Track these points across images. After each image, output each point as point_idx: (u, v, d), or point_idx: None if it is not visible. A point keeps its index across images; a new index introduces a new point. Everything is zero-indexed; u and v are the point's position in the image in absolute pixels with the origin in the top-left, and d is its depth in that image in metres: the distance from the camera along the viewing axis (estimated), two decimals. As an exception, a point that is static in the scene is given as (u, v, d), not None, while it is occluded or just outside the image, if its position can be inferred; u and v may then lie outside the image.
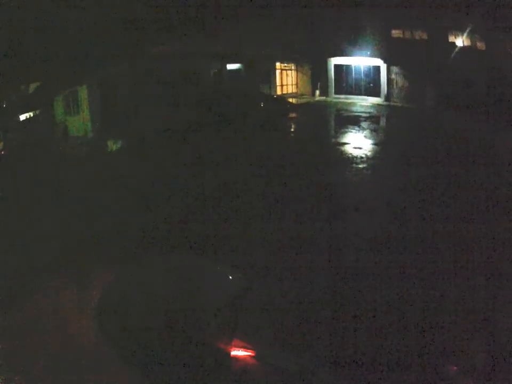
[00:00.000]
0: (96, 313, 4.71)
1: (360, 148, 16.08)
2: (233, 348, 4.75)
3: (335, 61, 37.94)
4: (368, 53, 36.27)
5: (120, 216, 9.17)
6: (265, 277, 6.62)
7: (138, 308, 4.40)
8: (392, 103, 34.85)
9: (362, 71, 37.51)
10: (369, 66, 37.18)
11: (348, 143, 17.05)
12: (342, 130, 20.81)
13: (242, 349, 4.87)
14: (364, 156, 14.87)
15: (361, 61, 37.16)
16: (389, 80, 36.42)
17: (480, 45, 33.72)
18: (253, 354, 4.88)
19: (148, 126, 18.89)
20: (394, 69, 36.16)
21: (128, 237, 8.13)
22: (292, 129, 22.21)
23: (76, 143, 17.33)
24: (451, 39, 33.69)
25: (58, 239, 7.95)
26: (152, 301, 4.42)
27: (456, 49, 32.14)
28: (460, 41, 32.83)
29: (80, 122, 18.61)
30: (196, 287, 4.56)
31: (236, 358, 4.77)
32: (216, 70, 28.47)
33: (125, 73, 19.55)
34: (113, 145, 16.29)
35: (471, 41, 33.56)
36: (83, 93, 18.57)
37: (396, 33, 35.65)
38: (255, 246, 7.76)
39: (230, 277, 5.01)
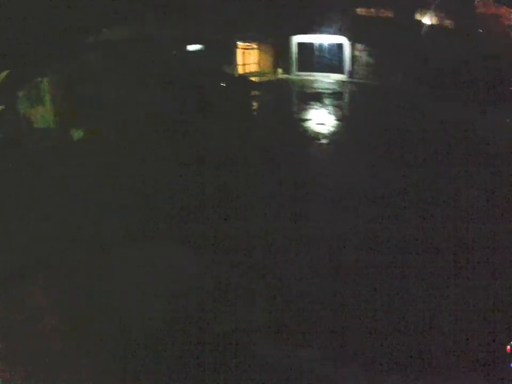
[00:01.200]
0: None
1: (323, 124, 15.77)
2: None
3: (298, 38, 37.55)
4: (332, 30, 35.99)
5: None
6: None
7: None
8: (355, 80, 34.71)
9: (326, 48, 37.26)
10: (333, 43, 36.93)
11: (310, 119, 16.71)
12: (305, 106, 20.40)
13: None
14: (326, 131, 14.58)
15: (324, 39, 36.89)
16: (353, 57, 36.27)
17: (449, 22, 33.85)
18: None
19: (112, 112, 18.51)
20: (359, 46, 36.01)
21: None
22: (254, 107, 21.76)
23: (39, 135, 16.68)
24: (418, 17, 33.71)
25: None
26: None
27: (423, 27, 32.16)
28: (427, 19, 32.84)
29: (43, 114, 18.06)
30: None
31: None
32: (178, 49, 27.84)
33: (88, 61, 19.10)
34: (76, 134, 15.72)
35: (438, 19, 33.63)
36: (45, 84, 17.97)
37: (361, 10, 35.45)
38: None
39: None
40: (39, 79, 17.74)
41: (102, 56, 19.91)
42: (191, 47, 29.63)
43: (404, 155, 12.26)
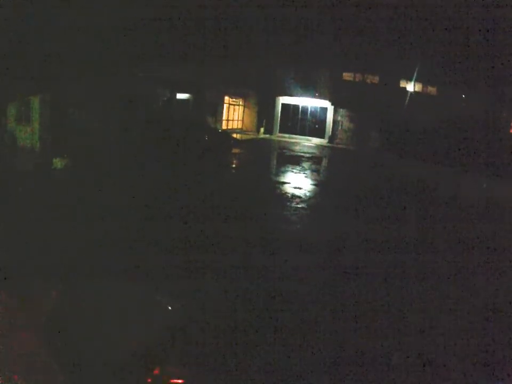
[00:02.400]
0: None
1: (300, 188, 15.90)
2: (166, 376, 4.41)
3: (283, 100, 38.43)
4: (317, 94, 37.00)
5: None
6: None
7: (78, 329, 4.39)
8: (335, 145, 35.45)
9: (309, 111, 38.14)
10: (316, 107, 37.87)
11: (288, 183, 16.82)
12: (283, 169, 20.58)
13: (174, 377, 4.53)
14: (302, 195, 14.68)
15: (309, 102, 37.81)
16: (335, 122, 37.17)
17: (431, 90, 35.17)
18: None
19: (94, 147, 18.66)
20: (341, 111, 36.99)
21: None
22: (234, 165, 21.93)
23: (22, 154, 16.68)
24: (402, 84, 34.95)
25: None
26: (90, 325, 4.38)
27: (406, 94, 33.33)
28: (411, 86, 34.07)
29: (29, 133, 18.05)
30: (132, 315, 4.52)
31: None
32: (166, 98, 28.27)
33: (78, 92, 19.28)
34: (58, 163, 15.69)
35: (422, 86, 34.93)
36: (36, 103, 18.02)
37: (346, 75, 36.63)
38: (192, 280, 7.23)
39: (169, 308, 4.83)
40: (30, 97, 17.80)
41: (96, 91, 20.08)
42: (180, 95, 30.07)
43: (379, 220, 12.47)
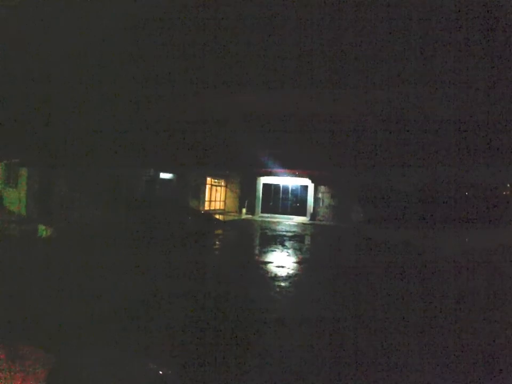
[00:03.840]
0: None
1: (283, 267, 16.05)
2: None
3: (264, 180, 39.25)
4: (297, 173, 37.96)
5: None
6: None
7: None
8: (317, 222, 35.94)
9: (290, 190, 38.92)
10: (297, 185, 38.70)
11: (271, 262, 16.98)
12: (266, 249, 20.76)
13: None
14: (285, 274, 14.82)
15: (289, 181, 38.67)
16: (316, 199, 37.88)
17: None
18: None
19: (79, 220, 18.88)
20: (322, 188, 37.82)
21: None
22: (216, 247, 22.08)
23: (8, 217, 16.74)
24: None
25: None
26: None
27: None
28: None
29: (16, 196, 18.10)
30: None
31: None
32: (149, 177, 28.81)
33: (66, 166, 19.75)
34: (43, 231, 15.81)
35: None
36: (23, 170, 18.25)
37: (326, 154, 37.70)
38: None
39: (160, 372, 5.13)
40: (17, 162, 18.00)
41: (79, 171, 20.51)
42: (163, 175, 30.63)
43: (360, 294, 12.61)
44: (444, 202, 30.40)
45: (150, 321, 9.23)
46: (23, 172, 18.39)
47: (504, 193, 33.30)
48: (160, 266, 14.87)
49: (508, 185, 33.80)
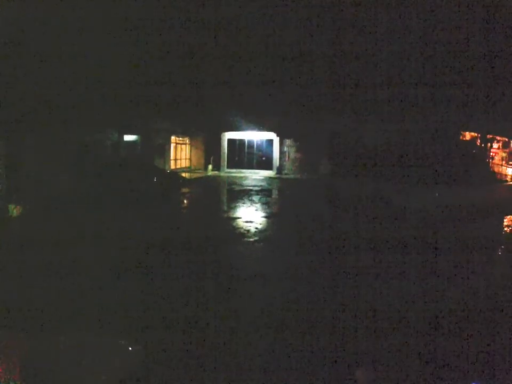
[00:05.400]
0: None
1: (251, 222, 16.07)
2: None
3: (228, 135, 38.87)
4: (262, 127, 37.64)
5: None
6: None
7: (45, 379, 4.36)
8: (283, 176, 36.00)
9: (255, 145, 38.70)
10: (262, 140, 38.48)
11: (239, 217, 16.97)
12: (234, 204, 20.74)
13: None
14: (254, 229, 14.83)
15: (254, 135, 38.39)
16: (282, 153, 37.81)
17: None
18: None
19: (48, 193, 18.52)
20: (287, 141, 37.70)
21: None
22: (184, 205, 21.91)
23: None
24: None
25: None
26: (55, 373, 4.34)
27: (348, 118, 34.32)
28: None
29: None
30: (95, 359, 4.58)
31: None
32: (113, 140, 28.23)
33: (31, 140, 19.20)
34: (13, 210, 15.37)
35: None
36: None
37: (290, 108, 37.51)
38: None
39: (130, 348, 4.91)
40: None
41: (45, 139, 20.01)
42: (128, 137, 30.04)
43: (328, 247, 12.73)
44: (414, 159, 30.37)
45: (116, 289, 9.12)
46: None
47: (473, 151, 33.71)
48: (128, 226, 14.66)
49: (478, 141, 34.25)
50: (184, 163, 39.76)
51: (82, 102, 21.23)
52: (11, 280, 8.84)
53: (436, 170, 28.59)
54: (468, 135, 34.87)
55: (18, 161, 18.86)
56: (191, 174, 35.04)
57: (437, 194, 23.68)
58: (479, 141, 34.47)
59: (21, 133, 18.71)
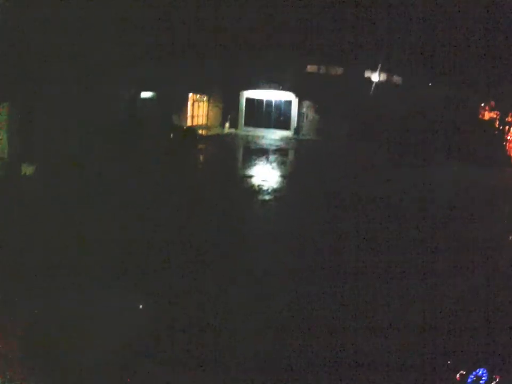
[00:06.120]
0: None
1: (266, 181, 16.02)
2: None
3: (247, 94, 38.41)
4: (281, 87, 37.11)
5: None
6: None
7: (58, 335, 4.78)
8: (301, 137, 35.66)
9: (273, 104, 38.22)
10: (280, 100, 37.98)
11: (254, 176, 16.92)
12: (250, 163, 20.70)
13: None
14: (269, 188, 14.79)
15: (273, 95, 37.89)
16: (300, 114, 37.36)
17: (397, 79, 35.71)
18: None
19: (62, 151, 18.50)
20: (306, 103, 37.19)
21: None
22: (199, 161, 21.89)
23: None
24: (367, 74, 35.36)
25: None
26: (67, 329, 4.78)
27: (370, 84, 33.72)
28: (376, 76, 34.47)
29: None
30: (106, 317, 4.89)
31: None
32: (130, 97, 28.02)
33: (45, 97, 19.03)
34: (26, 170, 15.39)
35: (387, 76, 35.40)
36: (4, 111, 17.60)
37: (310, 68, 36.87)
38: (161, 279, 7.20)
39: (141, 306, 5.41)
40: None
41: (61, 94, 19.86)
42: (144, 94, 29.83)
43: (342, 211, 12.69)
44: (431, 132, 29.47)
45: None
46: (4, 112, 17.60)
47: (493, 132, 32.53)
48: (144, 183, 14.64)
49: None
50: (201, 120, 39.47)
51: (97, 57, 20.98)
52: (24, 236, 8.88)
53: (452, 147, 27.85)
54: (486, 115, 33.96)
55: (32, 123, 18.79)
56: (208, 132, 34.84)
57: (452, 171, 23.02)
58: (497, 122, 33.45)
59: (34, 91, 18.58)
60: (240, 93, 38.44)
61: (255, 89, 37.78)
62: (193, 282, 7.16)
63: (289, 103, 37.79)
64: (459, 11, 29.20)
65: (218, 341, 5.46)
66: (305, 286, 7.29)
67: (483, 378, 4.32)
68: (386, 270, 8.09)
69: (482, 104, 33.49)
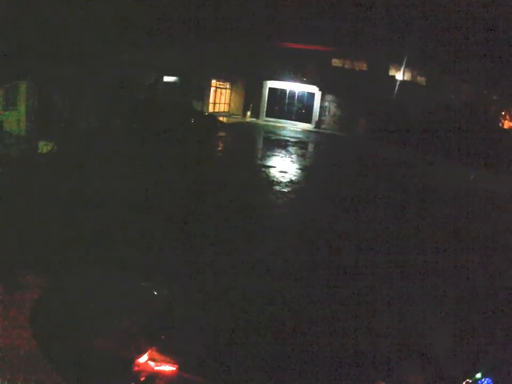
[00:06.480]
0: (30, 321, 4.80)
1: (286, 172, 15.90)
2: (156, 363, 4.58)
3: (270, 84, 38.22)
4: (305, 79, 36.88)
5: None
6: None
7: (67, 318, 4.63)
8: (322, 130, 35.44)
9: (296, 96, 38.02)
10: (303, 92, 37.75)
11: (273, 167, 16.79)
12: (269, 153, 20.55)
13: (165, 363, 4.63)
14: (288, 179, 14.69)
15: (296, 87, 37.67)
16: (322, 108, 37.11)
17: (421, 79, 35.28)
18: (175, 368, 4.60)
19: (81, 131, 18.54)
20: (329, 97, 36.92)
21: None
22: (219, 149, 21.81)
23: (8, 139, 16.33)
24: (391, 72, 35.02)
25: None
26: (78, 313, 4.64)
27: (394, 82, 33.35)
28: (400, 75, 34.11)
29: (15, 119, 17.69)
30: (119, 302, 4.80)
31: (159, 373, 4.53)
32: (152, 81, 27.99)
33: (66, 75, 19.05)
34: (44, 147, 15.43)
35: (411, 75, 35.00)
36: (22, 88, 17.70)
37: (335, 62, 36.58)
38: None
39: (155, 293, 5.10)
40: (17, 82, 17.47)
41: (80, 75, 19.84)
42: (167, 78, 29.80)
43: (358, 207, 12.61)
44: (450, 134, 29.06)
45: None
46: (22, 90, 17.66)
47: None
48: (163, 168, 14.62)
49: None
50: (222, 107, 39.42)
51: (120, 39, 20.90)
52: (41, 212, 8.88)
53: (470, 152, 27.40)
54: (506, 124, 33.42)
55: (51, 101, 18.82)
56: (229, 119, 34.76)
57: (471, 176, 22.73)
58: None
59: (52, 69, 18.57)
60: (264, 83, 38.24)
61: (278, 79, 37.58)
62: (197, 267, 7.15)
63: (312, 95, 37.55)
64: (487, 14, 28.64)
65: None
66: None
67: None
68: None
69: (503, 113, 32.98)
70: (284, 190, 13.30)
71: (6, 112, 17.57)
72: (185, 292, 6.16)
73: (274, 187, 13.48)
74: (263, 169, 16.28)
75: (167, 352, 4.67)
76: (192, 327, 5.36)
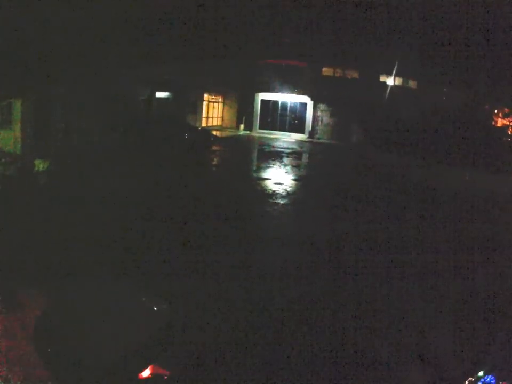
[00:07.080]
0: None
1: (281, 184, 15.96)
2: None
3: (262, 96, 38.37)
4: (296, 89, 37.04)
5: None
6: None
7: (70, 334, 4.66)
8: (315, 140, 35.58)
9: (288, 107, 38.16)
10: (296, 103, 37.91)
11: (268, 179, 16.85)
12: (264, 165, 20.63)
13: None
14: (283, 191, 14.74)
15: (288, 98, 37.83)
16: (315, 117, 37.25)
17: (412, 84, 35.50)
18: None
19: (75, 148, 18.58)
20: (321, 106, 37.07)
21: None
22: (214, 163, 21.87)
23: (3, 159, 16.34)
24: (382, 78, 35.21)
25: None
26: (80, 329, 4.67)
27: (386, 88, 33.54)
28: (391, 81, 34.32)
29: (10, 137, 17.71)
30: (120, 318, 4.81)
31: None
32: (145, 97, 28.11)
33: (60, 94, 19.11)
34: (40, 165, 15.45)
35: (402, 80, 35.23)
36: (17, 107, 17.73)
37: (326, 71, 36.76)
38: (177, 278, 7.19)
39: (155, 308, 5.09)
40: (12, 101, 17.52)
41: (75, 94, 19.93)
42: (160, 94, 29.93)
43: (356, 215, 12.64)
44: (444, 137, 29.21)
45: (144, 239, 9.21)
46: (17, 108, 17.73)
47: (506, 139, 32.09)
48: (158, 183, 14.66)
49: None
50: (215, 121, 39.56)
51: (114, 57, 21.01)
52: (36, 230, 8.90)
53: (465, 153, 27.51)
54: (499, 122, 33.61)
55: (47, 120, 18.86)
56: (222, 133, 34.89)
57: (466, 178, 22.89)
58: (510, 129, 33.05)
59: (49, 87, 18.65)
60: (255, 95, 38.41)
61: (270, 91, 37.75)
62: (196, 279, 7.18)
63: (304, 105, 37.71)
64: (477, 16, 28.88)
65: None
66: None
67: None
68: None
69: (496, 111, 33.17)
70: (278, 201, 13.34)
71: (1, 131, 17.60)
72: (185, 305, 6.20)
73: (269, 199, 13.53)
74: (259, 181, 16.34)
75: (167, 366, 4.70)
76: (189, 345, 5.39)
